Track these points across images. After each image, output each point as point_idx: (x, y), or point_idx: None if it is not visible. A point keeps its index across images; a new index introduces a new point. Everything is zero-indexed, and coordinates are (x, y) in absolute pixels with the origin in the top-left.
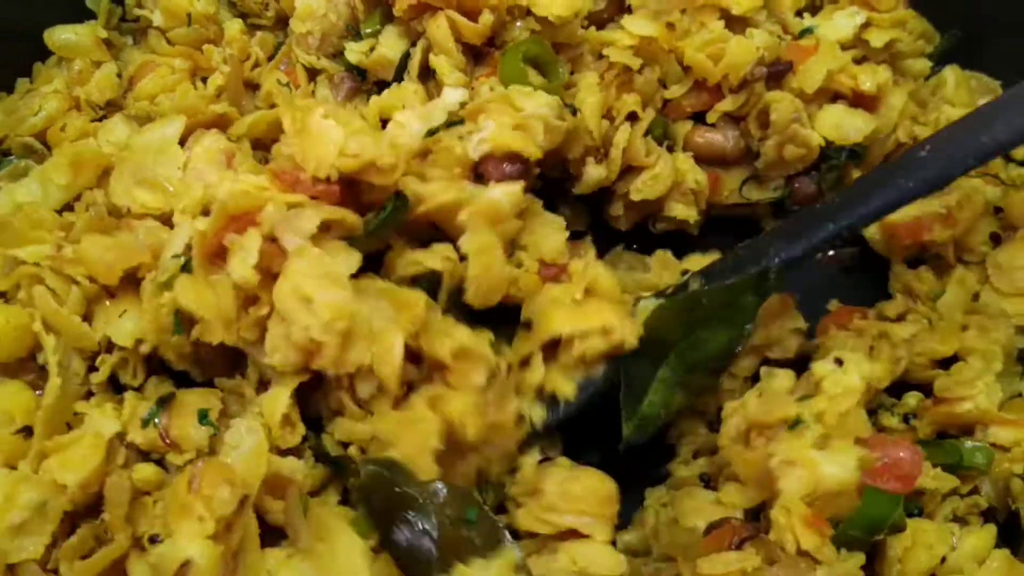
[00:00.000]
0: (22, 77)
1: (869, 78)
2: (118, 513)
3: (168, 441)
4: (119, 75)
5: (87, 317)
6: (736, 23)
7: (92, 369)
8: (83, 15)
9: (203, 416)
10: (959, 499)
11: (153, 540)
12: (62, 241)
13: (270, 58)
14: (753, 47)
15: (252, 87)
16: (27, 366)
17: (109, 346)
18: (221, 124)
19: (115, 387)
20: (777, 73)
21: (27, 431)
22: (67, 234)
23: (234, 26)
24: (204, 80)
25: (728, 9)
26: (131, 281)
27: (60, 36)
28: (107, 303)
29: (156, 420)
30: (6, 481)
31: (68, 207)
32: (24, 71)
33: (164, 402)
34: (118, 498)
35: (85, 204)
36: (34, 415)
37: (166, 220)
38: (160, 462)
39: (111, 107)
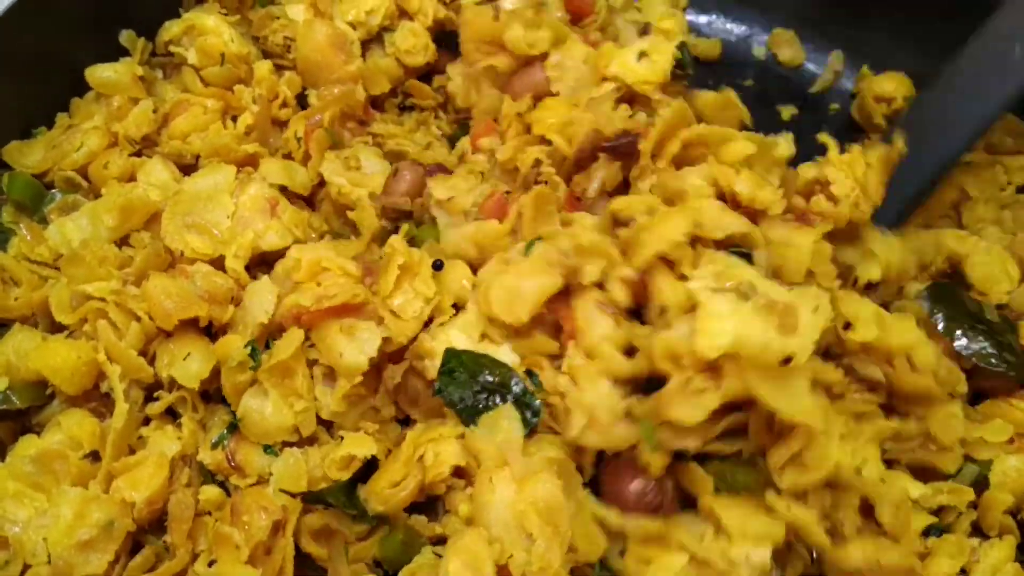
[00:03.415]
0: (60, 112)
1: None
2: (182, 529)
3: (233, 464)
4: (154, 111)
5: (146, 352)
6: None
7: (148, 399)
8: (117, 51)
9: (268, 445)
10: (974, 512)
11: (211, 564)
12: (127, 276)
13: (297, 96)
14: None
15: (278, 124)
16: (90, 395)
17: (171, 383)
18: (251, 162)
19: (170, 413)
20: None
21: (92, 456)
22: (127, 270)
23: (263, 66)
24: (234, 119)
25: None
26: (189, 323)
27: (101, 74)
28: (170, 345)
29: (225, 443)
30: (77, 500)
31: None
32: (61, 106)
33: (234, 427)
34: (182, 514)
35: (139, 243)
36: (99, 440)
37: (217, 264)
38: (223, 484)
39: (146, 142)
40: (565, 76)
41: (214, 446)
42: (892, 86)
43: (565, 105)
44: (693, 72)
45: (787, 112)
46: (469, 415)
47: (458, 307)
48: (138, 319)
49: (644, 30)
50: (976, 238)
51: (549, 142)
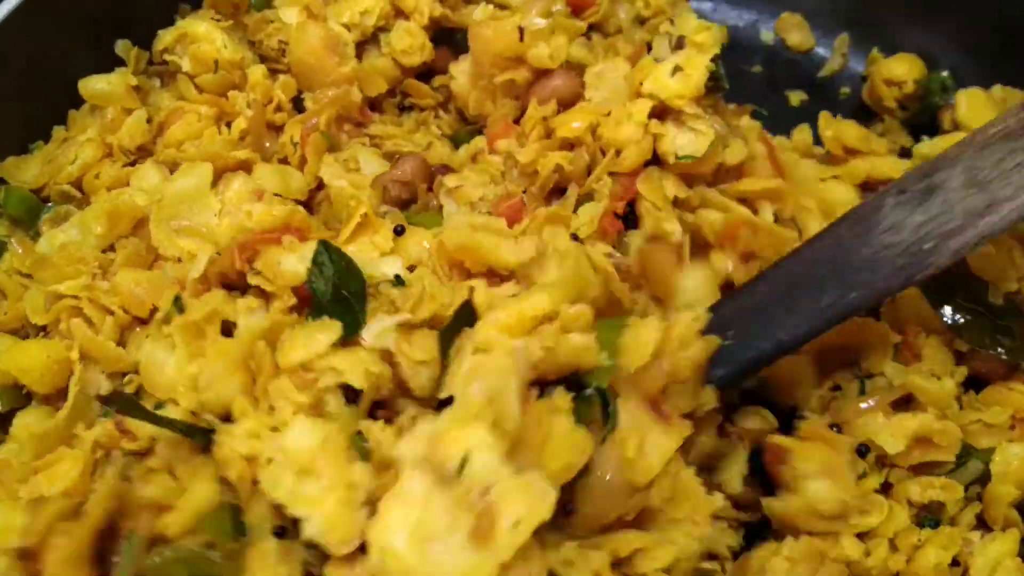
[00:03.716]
0: (57, 125)
1: None
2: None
3: (122, 430)
4: (149, 120)
5: (122, 343)
6: None
7: None
8: (113, 61)
9: (159, 406)
10: (979, 504)
11: None
12: (97, 271)
13: (293, 100)
14: None
15: (274, 128)
16: (63, 394)
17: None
18: (245, 168)
19: None
20: None
21: None
22: (105, 271)
23: (257, 71)
24: (229, 125)
25: None
26: None
27: (94, 86)
28: (138, 330)
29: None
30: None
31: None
32: (58, 118)
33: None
34: (95, 512)
35: (123, 247)
36: None
37: None
38: None
39: (142, 151)
40: (601, 87)
41: (102, 416)
42: (903, 68)
43: (593, 113)
44: (728, 85)
45: (796, 98)
46: (318, 312)
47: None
48: (111, 313)
49: (678, 44)
50: None
51: (571, 147)
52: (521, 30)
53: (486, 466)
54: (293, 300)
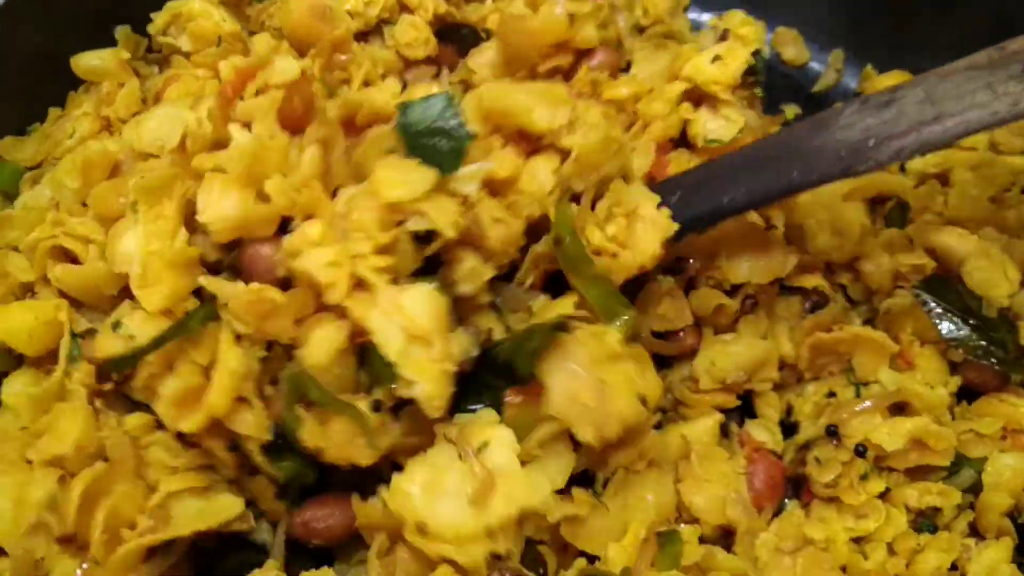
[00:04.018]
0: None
1: None
2: (126, 471)
3: (92, 359)
4: (144, 101)
5: None
6: None
7: None
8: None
9: (116, 325)
10: (971, 512)
11: None
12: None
13: None
14: None
15: None
16: (55, 355)
17: None
18: None
19: None
20: None
21: None
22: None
23: (262, 40)
24: None
25: None
26: None
27: (87, 62)
28: None
29: (76, 353)
30: (10, 487)
31: None
32: (57, 103)
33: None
34: (122, 456)
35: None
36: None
37: None
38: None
39: None
40: (647, 67)
41: (72, 360)
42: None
43: (640, 86)
44: (763, 79)
45: (791, 112)
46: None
47: None
48: (91, 242)
49: (722, 36)
50: (976, 237)
51: None
52: (571, 16)
53: (502, 456)
54: (281, 96)
